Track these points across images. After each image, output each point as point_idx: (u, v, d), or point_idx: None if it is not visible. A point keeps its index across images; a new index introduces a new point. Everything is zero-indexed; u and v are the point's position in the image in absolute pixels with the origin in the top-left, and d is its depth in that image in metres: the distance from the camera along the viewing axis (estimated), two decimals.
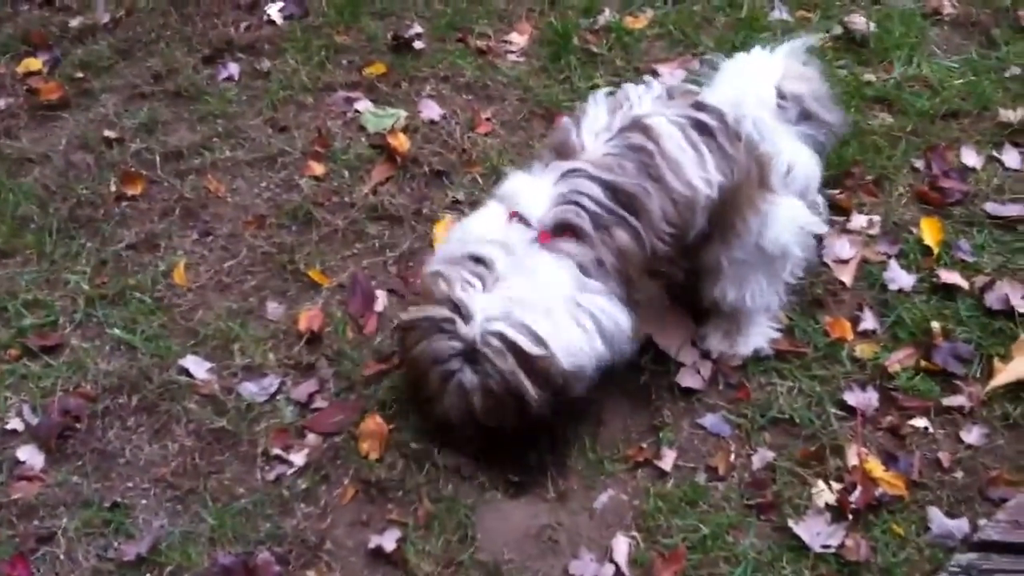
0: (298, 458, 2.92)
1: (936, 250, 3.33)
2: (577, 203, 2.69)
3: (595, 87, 3.86)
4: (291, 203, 3.61)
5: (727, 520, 2.75)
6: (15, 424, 3.03)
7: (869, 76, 3.95)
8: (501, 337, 2.61)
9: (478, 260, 2.68)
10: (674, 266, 2.85)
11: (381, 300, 3.28)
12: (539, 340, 2.62)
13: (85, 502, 2.86)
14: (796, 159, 2.95)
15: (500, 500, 2.82)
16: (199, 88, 4.07)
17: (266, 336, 3.22)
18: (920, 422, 2.93)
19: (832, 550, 2.66)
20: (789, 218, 2.91)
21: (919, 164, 3.63)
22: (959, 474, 2.83)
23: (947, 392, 3.00)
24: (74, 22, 4.40)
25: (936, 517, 2.71)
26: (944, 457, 2.85)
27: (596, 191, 2.69)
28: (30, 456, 2.96)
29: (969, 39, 4.16)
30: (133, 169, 3.75)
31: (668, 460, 2.88)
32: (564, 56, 4.08)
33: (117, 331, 3.24)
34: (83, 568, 2.74)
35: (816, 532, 2.69)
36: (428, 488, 2.83)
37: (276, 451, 2.93)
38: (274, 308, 3.29)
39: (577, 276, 2.67)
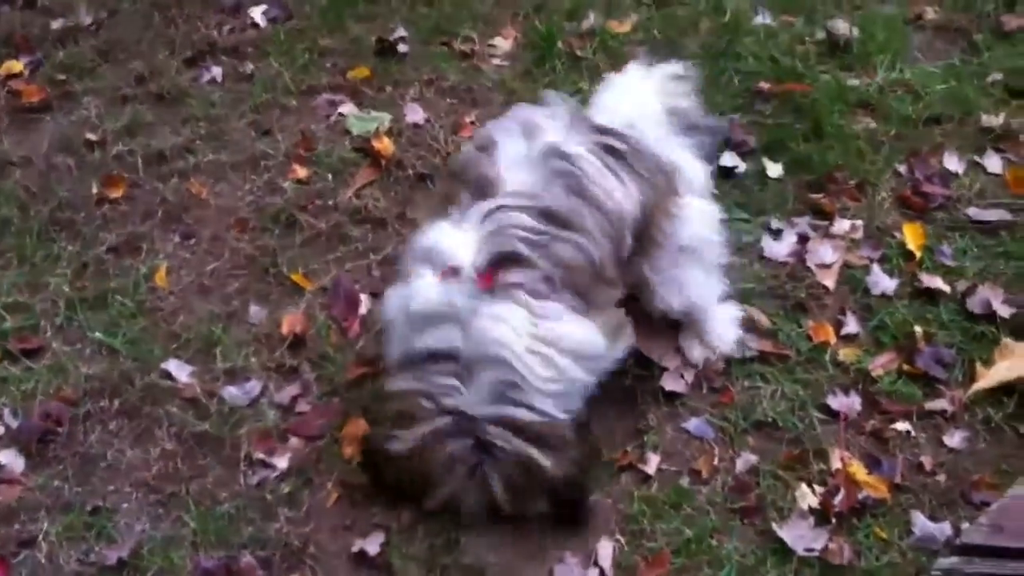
0: (281, 462, 2.90)
1: (918, 255, 3.34)
2: (508, 234, 2.62)
3: (579, 91, 3.88)
4: (274, 206, 3.60)
5: (711, 523, 2.75)
6: None
7: (852, 81, 3.97)
8: (501, 422, 2.58)
9: (437, 357, 2.59)
10: (616, 283, 2.82)
11: (364, 304, 3.27)
12: (531, 408, 2.59)
13: (66, 506, 2.84)
14: (690, 166, 2.99)
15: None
16: (182, 91, 4.06)
17: (249, 340, 3.21)
18: (903, 426, 2.94)
19: (815, 553, 2.66)
20: (699, 211, 2.96)
21: (902, 169, 3.65)
22: (942, 478, 2.83)
23: (929, 396, 3.01)
24: (56, 24, 4.39)
25: (919, 520, 2.72)
26: (927, 461, 2.86)
27: (526, 220, 2.63)
28: (11, 460, 2.93)
29: (952, 44, 4.18)
30: (115, 172, 3.74)
31: (652, 464, 2.87)
32: (549, 60, 4.08)
33: (98, 334, 3.23)
34: (64, 572, 2.72)
35: (799, 535, 2.69)
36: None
37: (259, 455, 2.92)
38: (257, 312, 3.28)
39: (531, 309, 2.60)
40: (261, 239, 3.51)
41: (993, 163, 3.67)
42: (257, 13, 4.39)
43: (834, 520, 2.72)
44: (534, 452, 2.58)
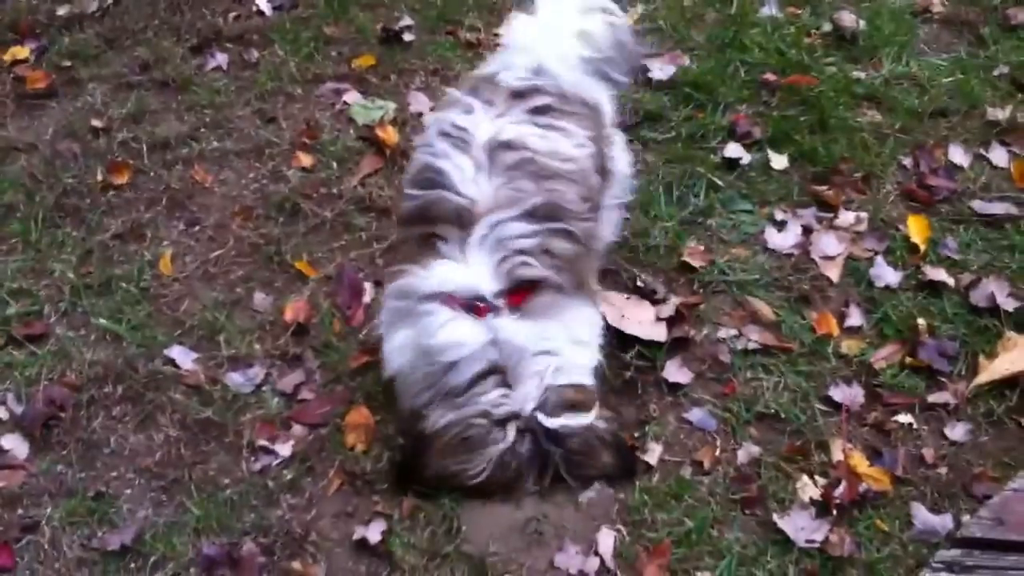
0: (284, 449, 2.91)
1: (923, 247, 3.34)
2: (517, 251, 2.67)
3: None
4: (279, 194, 3.60)
5: (712, 514, 2.75)
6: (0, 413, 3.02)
7: (858, 73, 3.96)
8: (556, 406, 2.65)
9: (479, 377, 2.64)
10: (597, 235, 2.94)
11: (368, 292, 3.27)
12: (576, 387, 2.68)
13: (69, 491, 2.85)
14: (603, 98, 3.07)
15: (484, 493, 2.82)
16: (187, 78, 4.06)
17: (252, 327, 3.21)
18: (905, 418, 2.94)
19: (816, 545, 2.66)
20: (622, 140, 3.18)
21: (907, 162, 3.65)
22: (943, 470, 2.83)
23: (932, 389, 3.01)
24: (62, 10, 4.39)
25: (920, 513, 2.72)
26: (928, 453, 2.86)
27: (521, 227, 2.67)
28: (14, 445, 2.95)
29: (958, 37, 4.18)
30: (120, 159, 3.74)
31: (654, 454, 2.88)
32: None
33: (103, 321, 3.23)
34: (67, 557, 2.73)
35: (800, 527, 2.70)
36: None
37: (261, 442, 2.92)
38: (261, 299, 3.28)
39: (563, 317, 2.71)
40: (265, 227, 3.51)
41: (999, 156, 3.66)
42: (262, 1, 4.39)
43: (835, 512, 2.72)
44: (591, 419, 2.67)
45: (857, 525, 2.71)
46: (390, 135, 3.74)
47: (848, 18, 4.16)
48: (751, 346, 3.10)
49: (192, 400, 3.03)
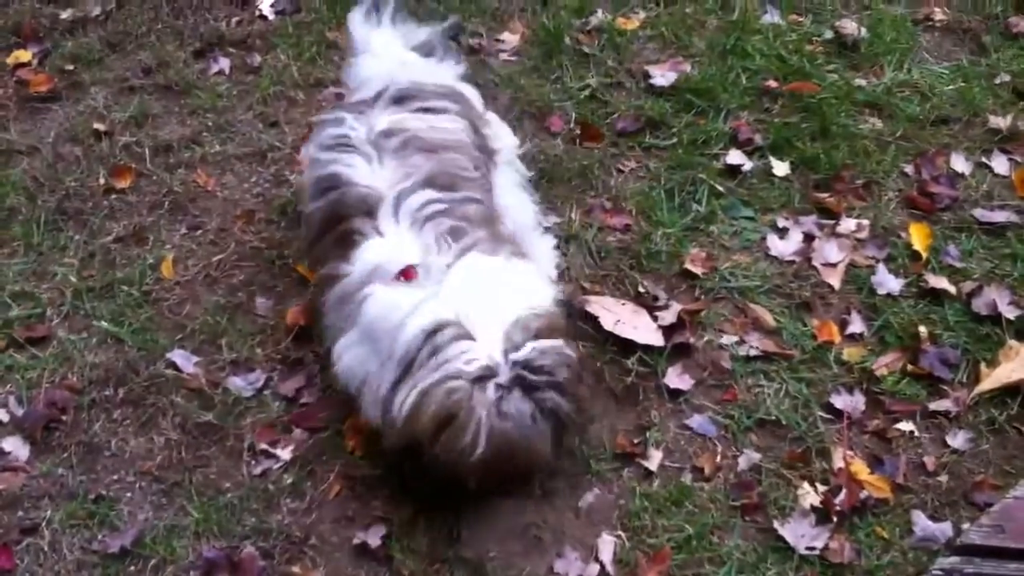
0: (284, 453, 2.91)
1: (924, 255, 3.34)
2: (429, 216, 2.71)
3: (587, 87, 3.89)
4: (281, 198, 3.60)
5: (712, 521, 2.75)
6: (1, 415, 3.02)
7: (860, 81, 3.97)
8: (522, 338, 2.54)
9: (443, 338, 2.51)
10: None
11: None
12: (538, 314, 2.59)
13: (70, 494, 2.85)
14: (465, 88, 3.23)
15: (486, 497, 2.81)
16: (189, 82, 4.06)
17: (254, 331, 3.21)
18: (906, 426, 2.94)
19: (816, 552, 2.66)
20: (499, 123, 3.33)
21: (909, 169, 3.65)
22: (944, 478, 2.83)
23: (933, 396, 3.01)
24: (65, 14, 4.39)
25: (920, 520, 2.72)
26: (929, 461, 2.86)
27: (427, 194, 2.73)
28: (15, 447, 2.95)
29: (960, 45, 4.18)
30: (122, 162, 3.74)
31: (654, 460, 2.88)
32: (556, 56, 4.08)
33: (104, 324, 3.23)
34: (67, 560, 2.73)
35: (801, 534, 2.70)
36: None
37: (262, 446, 2.92)
38: (262, 303, 3.28)
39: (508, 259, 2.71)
40: (267, 231, 3.51)
41: (1000, 164, 3.67)
42: (265, 5, 4.39)
43: (835, 519, 2.72)
44: (559, 344, 2.56)
45: (857, 532, 2.71)
46: None
47: (850, 25, 4.16)
48: (752, 353, 3.10)
49: (193, 404, 3.03)
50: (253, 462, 2.91)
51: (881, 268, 3.31)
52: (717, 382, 3.06)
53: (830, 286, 3.28)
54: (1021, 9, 4.28)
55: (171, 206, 3.60)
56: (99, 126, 3.88)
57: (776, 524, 2.72)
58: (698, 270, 3.31)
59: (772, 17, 4.26)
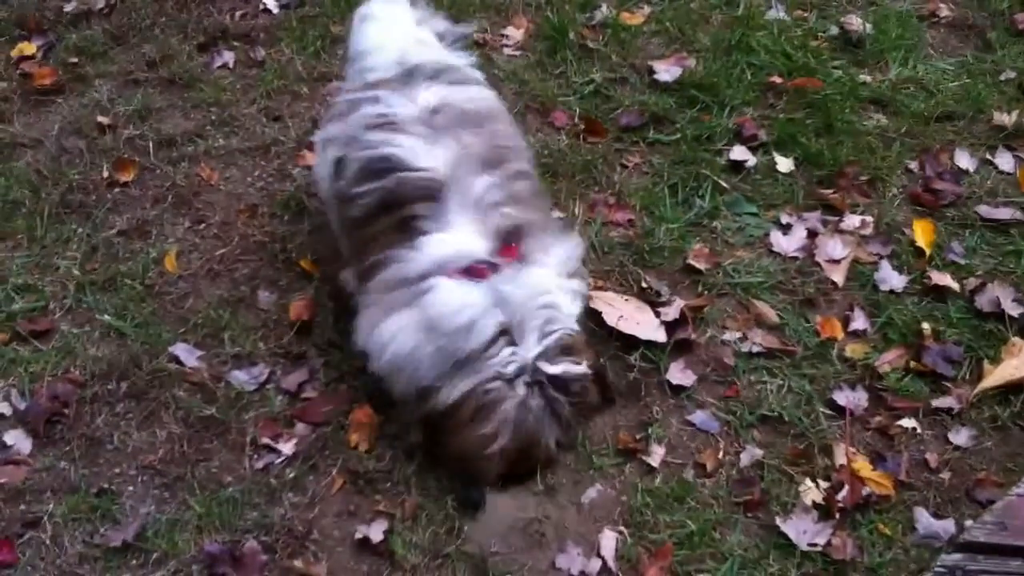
0: (287, 447, 2.91)
1: (928, 252, 3.34)
2: (492, 204, 2.74)
3: (591, 82, 3.89)
4: (284, 193, 3.61)
5: (714, 517, 2.75)
6: (3, 408, 3.02)
7: (865, 77, 3.96)
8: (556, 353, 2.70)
9: (493, 340, 2.67)
10: None
11: None
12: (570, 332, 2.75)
13: (72, 488, 2.86)
14: (467, 62, 3.22)
15: (488, 493, 2.82)
16: (193, 76, 4.06)
17: (257, 325, 3.22)
18: (909, 423, 2.94)
19: (819, 548, 2.66)
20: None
21: (913, 166, 3.64)
22: (946, 475, 2.83)
23: (936, 393, 3.01)
24: (69, 7, 4.39)
25: (923, 517, 2.72)
26: (932, 458, 2.86)
27: (486, 180, 2.76)
28: (17, 441, 2.95)
29: (965, 42, 4.17)
30: (126, 155, 3.75)
31: (657, 456, 2.88)
32: (560, 51, 4.08)
33: (107, 317, 3.24)
34: (69, 553, 2.73)
35: (803, 530, 2.70)
36: (416, 480, 2.83)
37: (265, 440, 2.92)
38: (265, 297, 3.29)
39: (551, 259, 2.78)
40: (270, 225, 3.51)
41: (1005, 161, 3.66)
42: None
43: (838, 515, 2.72)
44: (585, 365, 2.74)
45: (860, 529, 2.71)
46: None
47: (855, 21, 4.16)
48: (755, 349, 3.10)
49: (195, 397, 3.03)
50: (255, 456, 2.91)
51: (885, 265, 3.31)
52: (720, 378, 3.06)
53: (833, 282, 3.28)
54: None
55: (174, 200, 3.60)
56: (103, 119, 3.88)
57: (778, 520, 2.72)
58: (701, 266, 3.30)
59: (777, 12, 4.25)
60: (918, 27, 4.20)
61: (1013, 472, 2.81)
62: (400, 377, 2.77)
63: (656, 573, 2.63)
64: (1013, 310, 3.15)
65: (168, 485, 2.87)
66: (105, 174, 3.68)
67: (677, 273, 3.32)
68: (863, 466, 2.82)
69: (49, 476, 2.89)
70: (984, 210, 3.47)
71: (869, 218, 3.45)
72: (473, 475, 2.76)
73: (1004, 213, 3.46)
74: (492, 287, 2.66)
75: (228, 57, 4.14)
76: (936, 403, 2.98)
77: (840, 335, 3.14)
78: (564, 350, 2.70)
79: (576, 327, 2.77)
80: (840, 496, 2.74)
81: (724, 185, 3.56)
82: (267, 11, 4.37)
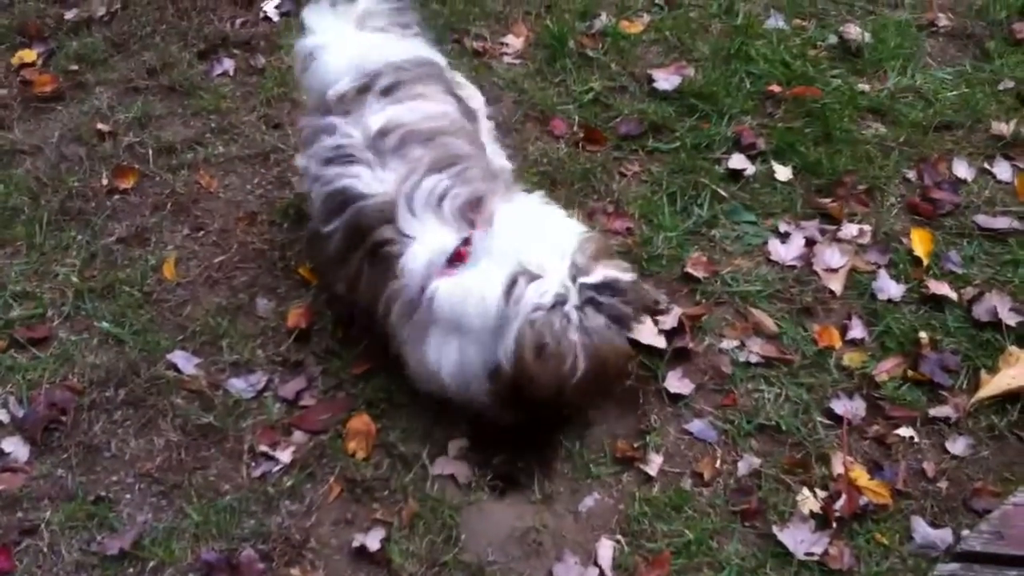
0: (284, 455, 2.91)
1: (926, 261, 3.34)
2: (441, 195, 2.78)
3: (590, 90, 3.89)
4: (283, 200, 3.61)
5: (712, 526, 2.75)
6: (1, 416, 3.02)
7: (863, 86, 3.96)
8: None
9: (528, 280, 2.62)
10: None
11: None
12: None
13: (69, 495, 2.86)
14: (432, 54, 3.24)
15: (485, 501, 2.82)
16: (193, 83, 4.07)
17: (255, 332, 3.22)
18: (906, 432, 2.94)
19: (816, 558, 2.66)
20: (464, 82, 3.36)
21: (911, 175, 3.65)
22: (943, 484, 2.83)
23: (933, 402, 3.01)
24: (70, 14, 4.39)
25: (920, 527, 2.72)
26: (929, 467, 2.86)
27: (434, 178, 2.78)
28: (15, 448, 2.95)
29: (963, 51, 4.18)
30: (125, 163, 3.75)
31: (654, 465, 2.88)
32: (560, 59, 4.08)
33: (105, 324, 3.24)
34: (66, 561, 2.73)
35: (800, 539, 2.70)
36: (413, 488, 2.83)
37: (262, 448, 2.93)
38: (264, 305, 3.29)
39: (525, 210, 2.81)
40: (269, 232, 3.51)
41: (1003, 171, 3.66)
42: (269, 7, 4.40)
43: (835, 525, 2.72)
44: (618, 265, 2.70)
45: (857, 538, 2.71)
46: None
47: (854, 31, 4.16)
48: (753, 358, 3.10)
49: (193, 405, 3.03)
50: (253, 464, 2.91)
51: (882, 273, 3.31)
52: (717, 387, 3.06)
53: (831, 291, 3.28)
54: None
55: (174, 207, 3.60)
56: (103, 127, 3.88)
57: (775, 529, 2.72)
58: (699, 274, 3.31)
59: (776, 22, 4.25)
60: (917, 36, 4.20)
61: (1010, 481, 2.81)
62: (471, 386, 2.75)
63: None
64: (1010, 319, 3.15)
65: (165, 493, 2.87)
66: (105, 181, 3.69)
67: (675, 281, 3.32)
68: (860, 475, 2.82)
69: (46, 484, 2.89)
70: (982, 219, 3.48)
71: (867, 227, 3.45)
72: (569, 412, 2.81)
73: (1002, 222, 3.46)
74: (476, 256, 2.67)
75: (228, 65, 4.15)
76: (933, 412, 2.98)
77: (838, 344, 3.15)
78: (594, 256, 2.65)
79: (586, 230, 2.76)
80: (837, 505, 2.74)
81: (723, 194, 3.57)
82: (267, 19, 4.37)
